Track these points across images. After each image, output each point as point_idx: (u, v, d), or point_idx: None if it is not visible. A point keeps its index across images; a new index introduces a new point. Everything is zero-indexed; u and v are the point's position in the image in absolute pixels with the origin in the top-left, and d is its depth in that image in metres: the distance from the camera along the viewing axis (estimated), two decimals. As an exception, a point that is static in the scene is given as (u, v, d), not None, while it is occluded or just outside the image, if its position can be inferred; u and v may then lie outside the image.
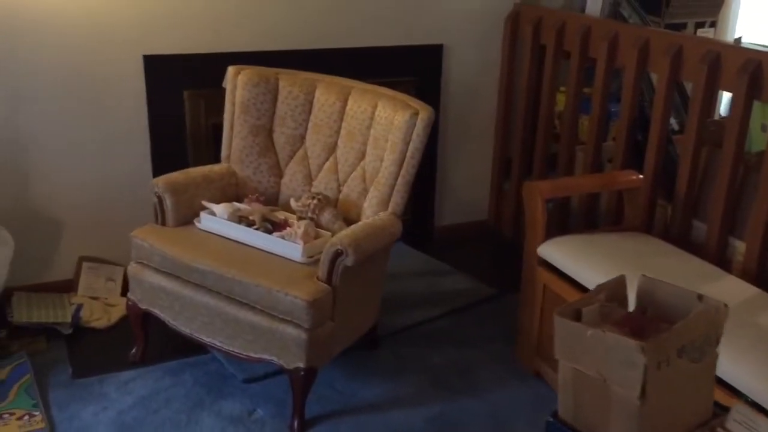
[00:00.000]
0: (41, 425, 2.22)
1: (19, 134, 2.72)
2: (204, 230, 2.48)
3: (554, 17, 3.20)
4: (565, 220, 3.26)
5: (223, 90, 2.68)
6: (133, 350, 2.56)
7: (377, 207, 2.48)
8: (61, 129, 2.78)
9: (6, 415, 2.25)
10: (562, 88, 3.30)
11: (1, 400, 2.31)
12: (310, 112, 2.67)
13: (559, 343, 1.46)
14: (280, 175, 2.71)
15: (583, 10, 3.38)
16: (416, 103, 2.48)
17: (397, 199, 2.46)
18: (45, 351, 2.58)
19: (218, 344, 2.33)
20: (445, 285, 3.16)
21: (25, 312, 2.66)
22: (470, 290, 3.12)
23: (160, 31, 2.83)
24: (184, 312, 2.37)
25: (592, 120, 3.03)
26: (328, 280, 2.23)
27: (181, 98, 2.92)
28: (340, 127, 2.64)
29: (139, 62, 2.82)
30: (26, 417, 2.25)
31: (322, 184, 2.65)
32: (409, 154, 2.43)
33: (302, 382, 2.23)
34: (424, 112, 2.43)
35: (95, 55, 2.76)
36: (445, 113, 3.42)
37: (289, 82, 2.66)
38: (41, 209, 2.83)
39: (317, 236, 2.40)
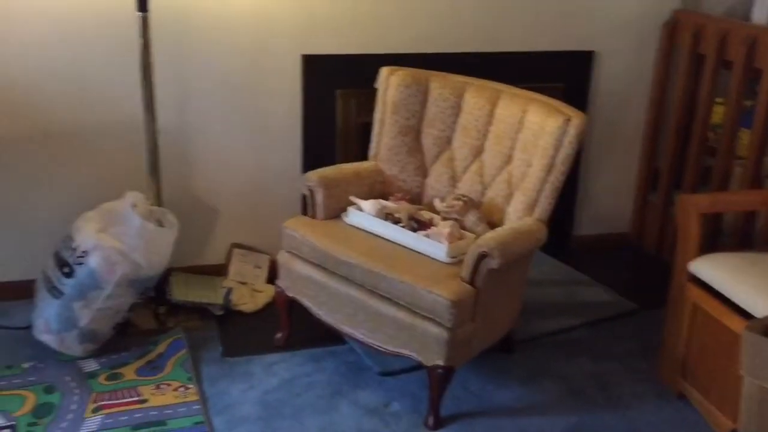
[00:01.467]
0: (194, 398, 2.38)
1: (188, 125, 2.92)
2: (351, 225, 2.56)
3: (716, 25, 3.06)
4: (714, 237, 3.11)
5: (375, 90, 2.76)
6: (278, 335, 2.68)
7: (522, 212, 2.47)
8: (222, 122, 2.96)
9: (163, 386, 2.42)
10: (719, 100, 3.16)
11: (160, 371, 2.50)
12: (458, 115, 2.70)
13: (746, 359, 1.41)
14: (426, 175, 2.76)
15: (747, 17, 3.22)
16: (569, 110, 2.46)
17: (544, 205, 2.44)
18: (198, 329, 2.76)
19: (359, 336, 2.40)
20: (583, 295, 3.10)
21: (182, 291, 2.86)
22: (609, 303, 3.05)
23: (318, 32, 2.95)
24: (329, 302, 2.46)
25: (754, 133, 2.88)
26: (472, 282, 2.25)
27: (334, 97, 3.03)
28: (487, 131, 2.65)
29: (297, 61, 2.95)
30: (181, 389, 2.42)
31: (466, 185, 2.68)
32: (559, 160, 2.41)
33: (440, 379, 2.26)
34: (577, 118, 2.40)
35: (258, 53, 2.91)
36: (592, 121, 3.35)
37: (440, 85, 2.70)
38: (201, 197, 3.03)
39: (461, 237, 2.42)
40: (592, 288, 3.15)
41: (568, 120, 2.40)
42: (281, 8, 2.88)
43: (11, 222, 2.83)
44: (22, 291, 2.71)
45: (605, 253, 3.49)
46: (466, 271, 2.26)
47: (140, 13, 2.53)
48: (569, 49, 3.26)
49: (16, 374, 2.45)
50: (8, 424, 2.22)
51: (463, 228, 2.49)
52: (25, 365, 2.50)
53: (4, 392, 2.35)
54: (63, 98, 2.74)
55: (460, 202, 2.53)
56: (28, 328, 2.60)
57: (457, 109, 2.70)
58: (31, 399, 2.33)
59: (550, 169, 2.42)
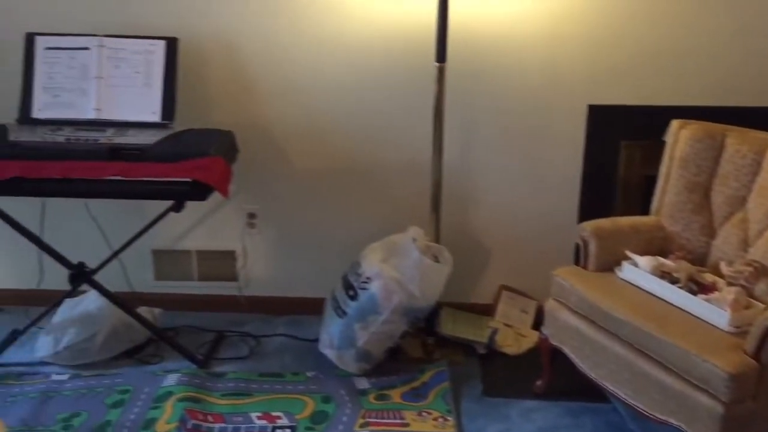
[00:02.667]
0: (452, 430, 2.46)
1: (470, 168, 3.08)
2: (624, 280, 2.49)
3: None
4: None
5: (662, 143, 2.66)
6: (539, 382, 2.68)
7: (826, 286, 2.20)
8: (502, 163, 3.07)
9: (425, 413, 2.55)
10: None
11: (423, 399, 2.63)
12: (756, 174, 2.50)
13: None
14: (712, 236, 2.59)
15: None
16: None
17: None
18: (461, 364, 2.86)
19: (622, 395, 2.31)
20: None
21: (450, 326, 2.99)
22: None
23: (605, 82, 2.93)
24: (593, 356, 2.41)
25: None
26: (756, 356, 2.05)
27: (618, 148, 2.98)
28: (790, 193, 2.41)
29: (582, 111, 2.96)
30: (441, 419, 2.52)
31: (759, 251, 2.45)
32: None
33: (710, 457, 2.09)
34: None
35: (543, 103, 2.98)
36: None
37: (737, 141, 2.53)
38: (476, 236, 3.15)
39: (748, 306, 2.23)
40: None
41: None
42: (569, 59, 2.92)
43: (312, 243, 3.20)
44: (315, 307, 3.03)
45: None
46: (750, 343, 2.07)
47: (438, 64, 2.73)
48: None
49: (301, 381, 2.75)
50: (291, 424, 2.50)
51: (751, 296, 2.29)
52: (309, 374, 2.79)
53: (289, 395, 2.66)
54: (364, 139, 3.06)
55: (751, 268, 2.33)
56: (315, 341, 2.91)
57: (755, 168, 2.50)
58: (310, 405, 2.60)
59: None
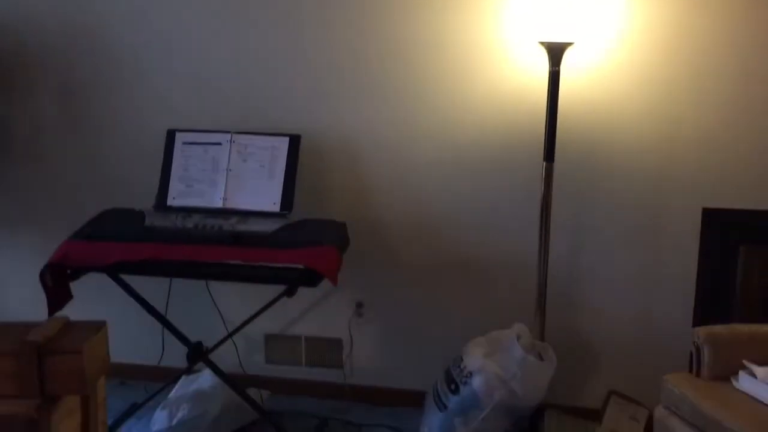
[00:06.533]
0: None
1: (577, 268, 3.05)
2: (741, 390, 2.36)
3: None
4: None
5: (784, 249, 2.56)
6: (647, 495, 2.54)
7: None
8: (612, 268, 3.02)
9: None
10: None
11: (522, 502, 2.55)
12: None
13: None
14: (841, 350, 2.42)
15: None
16: None
17: None
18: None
19: None
20: None
21: (554, 428, 2.90)
22: None
23: (722, 186, 2.88)
24: (706, 471, 2.27)
25: None
26: None
27: (736, 253, 2.88)
28: None
29: (697, 214, 2.90)
30: None
31: None
32: None
33: None
34: None
35: (656, 205, 2.95)
36: None
37: None
38: (583, 338, 3.09)
39: None
40: None
41: None
42: (684, 160, 2.90)
43: (417, 336, 3.24)
44: (417, 399, 3.03)
45: None
46: None
47: (546, 163, 2.79)
48: None
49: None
50: None
51: None
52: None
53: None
54: (471, 236, 3.12)
55: None
56: (415, 433, 2.91)
57: None
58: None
59: None
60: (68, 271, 2.72)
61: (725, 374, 2.43)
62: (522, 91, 2.96)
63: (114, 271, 2.78)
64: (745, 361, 2.41)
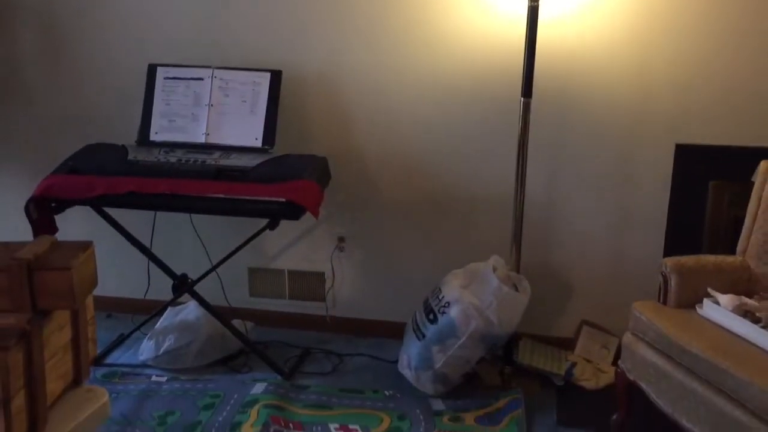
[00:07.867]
0: (523, 455, 2.50)
1: (552, 202, 3.14)
2: (704, 317, 2.47)
3: None
4: None
5: (751, 184, 2.65)
6: (614, 416, 2.67)
7: None
8: (586, 202, 3.11)
9: (498, 437, 2.61)
10: None
11: (496, 423, 2.68)
12: None
13: None
14: (800, 279, 2.54)
15: None
16: None
17: None
18: (537, 394, 2.89)
19: (698, 433, 2.29)
20: None
21: (528, 356, 3.03)
22: None
23: (694, 121, 2.95)
24: (669, 392, 2.39)
25: None
26: (838, 399, 2.01)
27: (706, 188, 2.96)
28: None
29: (669, 150, 2.97)
30: (512, 444, 2.56)
31: None
32: None
33: (786, 500, 2.04)
34: None
35: (629, 140, 3.02)
36: None
37: (828, 182, 2.49)
38: (557, 270, 3.19)
39: (833, 349, 2.18)
40: None
41: None
42: (657, 97, 2.96)
43: (397, 269, 3.33)
44: (397, 330, 3.13)
45: None
46: (831, 385, 2.03)
47: (523, 99, 2.83)
48: None
49: (380, 398, 2.86)
50: (369, 437, 2.61)
51: (837, 340, 2.23)
52: (387, 392, 2.90)
53: (367, 411, 2.77)
54: (450, 171, 3.18)
55: (837, 312, 2.28)
56: (395, 362, 3.01)
57: None
58: (386, 421, 2.70)
59: None
60: (52, 204, 2.76)
61: (691, 302, 2.54)
62: (500, 27, 2.98)
63: (98, 204, 2.83)
64: (709, 289, 2.51)
